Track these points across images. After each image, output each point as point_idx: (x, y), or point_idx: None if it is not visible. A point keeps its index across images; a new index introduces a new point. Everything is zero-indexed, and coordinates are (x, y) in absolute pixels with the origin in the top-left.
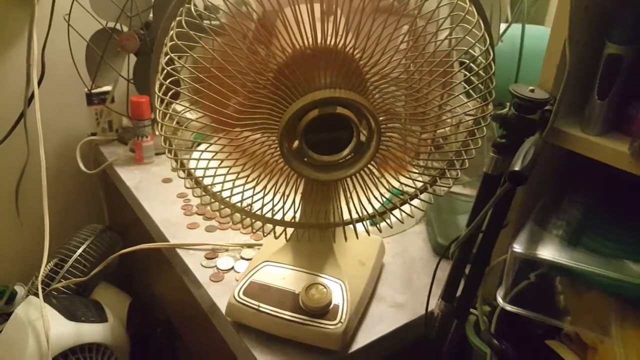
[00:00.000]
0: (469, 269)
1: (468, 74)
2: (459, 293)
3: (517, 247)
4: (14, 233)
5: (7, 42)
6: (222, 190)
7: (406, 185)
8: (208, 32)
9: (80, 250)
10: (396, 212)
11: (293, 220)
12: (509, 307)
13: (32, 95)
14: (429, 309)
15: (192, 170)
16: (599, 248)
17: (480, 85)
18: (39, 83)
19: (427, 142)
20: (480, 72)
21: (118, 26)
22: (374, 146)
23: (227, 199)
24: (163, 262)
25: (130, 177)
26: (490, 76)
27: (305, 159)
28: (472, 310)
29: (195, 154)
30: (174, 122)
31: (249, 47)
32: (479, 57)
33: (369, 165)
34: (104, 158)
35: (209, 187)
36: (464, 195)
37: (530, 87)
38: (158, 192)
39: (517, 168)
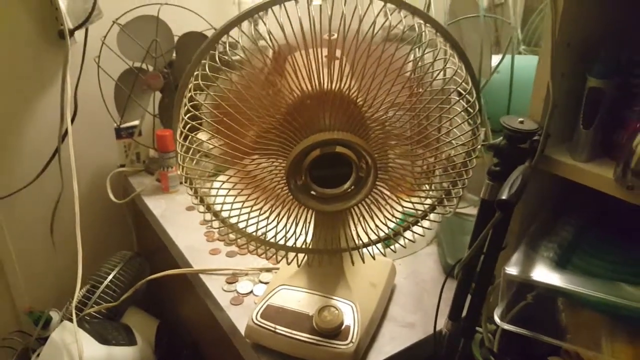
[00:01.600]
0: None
1: (464, 114)
2: (465, 312)
3: (509, 270)
4: (49, 261)
5: (43, 84)
6: (238, 221)
7: (408, 209)
8: (228, 71)
9: (110, 277)
10: (403, 235)
11: (304, 246)
12: (506, 326)
13: (66, 132)
14: (438, 328)
15: (210, 204)
16: (589, 268)
17: (469, 121)
18: (72, 120)
19: (421, 173)
20: (469, 109)
21: (144, 66)
22: (371, 180)
23: (243, 228)
24: (188, 287)
25: (157, 205)
26: (476, 113)
27: (312, 192)
28: (478, 328)
29: (213, 188)
30: (191, 152)
31: (265, 82)
32: (467, 96)
33: (373, 193)
34: (132, 188)
35: (226, 219)
36: (473, 216)
37: (520, 119)
38: (182, 220)
39: (503, 197)
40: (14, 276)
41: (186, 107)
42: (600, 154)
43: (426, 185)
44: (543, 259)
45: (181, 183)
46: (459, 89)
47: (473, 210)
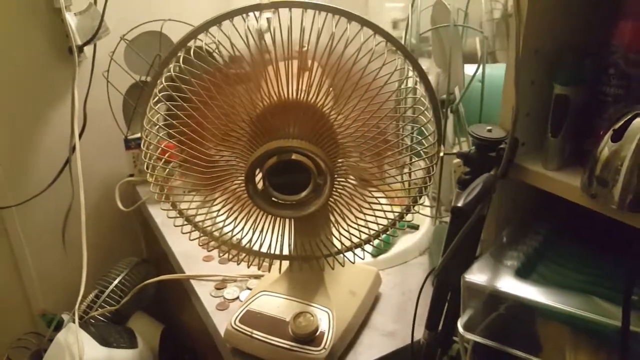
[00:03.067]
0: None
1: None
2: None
3: (467, 277)
4: (62, 266)
5: (55, 97)
6: (213, 229)
7: (378, 217)
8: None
9: (116, 282)
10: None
11: (280, 254)
12: (469, 336)
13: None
14: (416, 338)
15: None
16: (555, 277)
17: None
18: (82, 132)
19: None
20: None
21: (149, 79)
22: (328, 187)
23: (219, 236)
24: (185, 293)
25: (159, 213)
26: (432, 133)
27: (272, 199)
28: (455, 338)
29: (186, 196)
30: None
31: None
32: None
33: (343, 198)
34: (139, 197)
35: (204, 227)
36: None
37: (488, 127)
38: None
39: (459, 204)
40: (30, 280)
41: (152, 111)
42: (572, 162)
43: (396, 192)
44: (505, 268)
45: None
46: (416, 100)
47: None
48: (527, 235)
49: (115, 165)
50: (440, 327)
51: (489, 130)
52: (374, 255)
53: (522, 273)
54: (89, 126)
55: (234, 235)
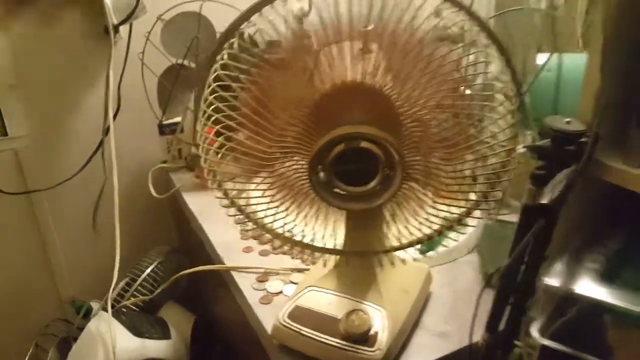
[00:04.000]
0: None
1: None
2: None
3: (549, 281)
4: (92, 252)
5: (90, 78)
6: (267, 221)
7: (443, 211)
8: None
9: (148, 270)
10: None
11: (333, 247)
12: (545, 342)
13: (109, 126)
14: (474, 340)
15: (241, 205)
16: (638, 282)
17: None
18: (115, 115)
19: (456, 175)
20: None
21: (186, 62)
22: (398, 179)
23: (273, 228)
24: (222, 284)
25: (195, 201)
26: (514, 112)
27: (335, 190)
28: (517, 342)
29: (243, 190)
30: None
31: (298, 69)
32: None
33: (406, 194)
34: (173, 184)
35: (258, 219)
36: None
37: (567, 119)
38: (218, 217)
39: (544, 201)
40: (59, 266)
41: (209, 99)
42: None
43: (463, 187)
44: (588, 271)
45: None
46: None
47: (516, 218)
48: (605, 237)
49: (148, 150)
50: (501, 330)
51: (568, 122)
52: (422, 252)
53: (606, 277)
54: (122, 110)
55: (286, 227)
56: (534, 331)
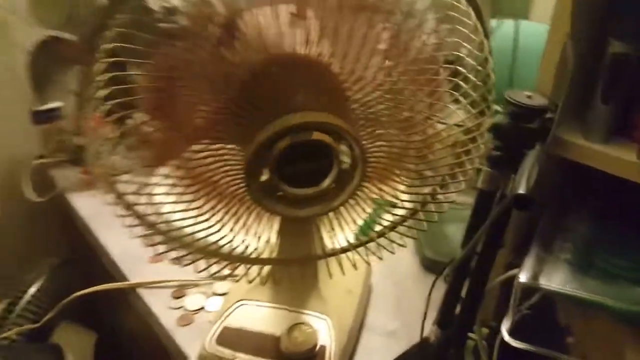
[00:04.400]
0: (464, 292)
1: (462, 85)
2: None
3: (524, 278)
4: None
5: None
6: (181, 233)
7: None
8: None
9: (32, 290)
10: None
11: (268, 257)
12: (516, 344)
13: None
14: (424, 335)
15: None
16: (613, 270)
17: (474, 95)
18: None
19: (414, 160)
20: (477, 81)
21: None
22: (358, 175)
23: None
24: (127, 300)
25: (84, 204)
26: (489, 87)
27: (279, 193)
28: (469, 335)
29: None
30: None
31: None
32: (471, 62)
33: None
34: (55, 183)
35: (167, 230)
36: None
37: (527, 93)
38: (115, 221)
39: (521, 190)
40: None
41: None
42: (614, 134)
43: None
44: (561, 263)
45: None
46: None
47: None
48: (569, 221)
49: (19, 144)
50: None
51: (529, 97)
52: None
53: (580, 268)
54: None
55: (210, 238)
56: (505, 333)
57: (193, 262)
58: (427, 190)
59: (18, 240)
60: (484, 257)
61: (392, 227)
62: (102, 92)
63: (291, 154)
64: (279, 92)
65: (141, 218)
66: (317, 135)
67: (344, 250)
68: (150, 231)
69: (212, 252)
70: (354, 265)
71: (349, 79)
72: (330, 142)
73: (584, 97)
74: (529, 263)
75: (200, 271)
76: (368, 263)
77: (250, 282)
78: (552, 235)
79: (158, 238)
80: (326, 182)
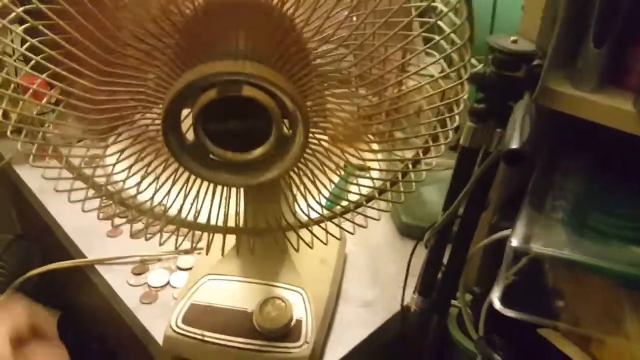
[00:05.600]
0: (446, 258)
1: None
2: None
3: (515, 241)
4: None
5: None
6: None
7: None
8: None
9: None
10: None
11: (231, 225)
12: (509, 313)
13: None
14: (404, 304)
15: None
16: (608, 230)
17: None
18: None
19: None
20: (453, 38)
21: None
22: (299, 142)
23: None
24: (86, 276)
25: (33, 176)
26: (465, 43)
27: (210, 156)
28: (452, 302)
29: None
30: None
31: None
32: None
33: (315, 154)
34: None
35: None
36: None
37: (512, 37)
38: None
39: (515, 145)
40: None
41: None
42: (605, 81)
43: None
44: (554, 223)
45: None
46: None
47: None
48: (561, 177)
49: None
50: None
51: (514, 42)
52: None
53: (574, 229)
54: None
55: (154, 202)
56: (496, 301)
57: (155, 233)
58: (408, 155)
59: None
60: (467, 219)
61: (368, 199)
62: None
63: (223, 112)
64: (215, 33)
65: (97, 188)
66: (247, 91)
67: (315, 222)
68: (108, 202)
69: (172, 221)
70: (326, 238)
71: (308, 29)
72: (264, 100)
73: (574, 41)
74: (520, 225)
75: (162, 243)
76: (350, 232)
77: (207, 251)
78: (543, 194)
79: (117, 208)
80: (260, 149)
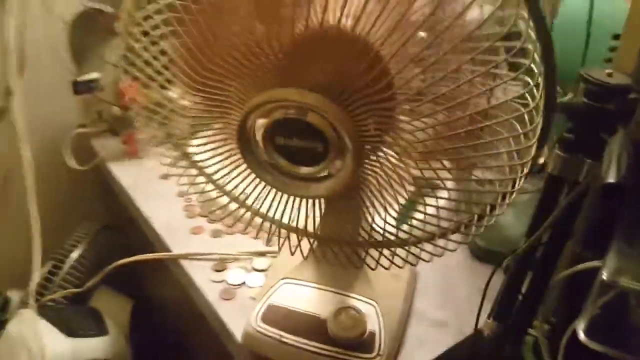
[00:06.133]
0: (526, 284)
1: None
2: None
3: (606, 274)
4: (4, 236)
5: None
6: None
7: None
8: None
9: (75, 254)
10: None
11: (314, 232)
12: (594, 346)
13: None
14: (477, 328)
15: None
16: None
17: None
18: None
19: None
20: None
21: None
22: (348, 170)
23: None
24: (167, 268)
25: (125, 173)
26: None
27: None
28: (531, 331)
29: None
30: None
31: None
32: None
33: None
34: (95, 152)
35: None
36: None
37: (608, 71)
38: (156, 191)
39: (612, 180)
40: None
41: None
42: None
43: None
44: None
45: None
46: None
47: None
48: None
49: (61, 114)
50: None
51: (609, 75)
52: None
53: None
54: (27, 67)
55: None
56: (581, 332)
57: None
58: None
59: (60, 206)
60: (551, 248)
61: (444, 232)
62: (138, 62)
63: (290, 130)
64: (296, 63)
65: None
66: (311, 118)
67: (386, 243)
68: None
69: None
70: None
71: (386, 52)
72: (323, 128)
73: None
74: (611, 257)
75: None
76: (425, 261)
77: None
78: (635, 228)
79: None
80: (315, 168)
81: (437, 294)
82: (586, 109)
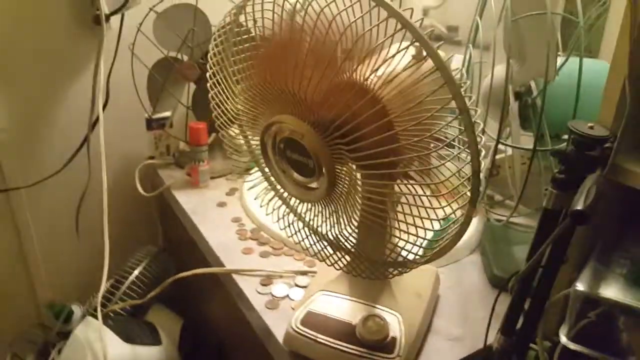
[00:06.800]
0: (528, 303)
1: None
2: (517, 327)
3: (580, 286)
4: (73, 254)
5: (75, 69)
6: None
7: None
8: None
9: (136, 272)
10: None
11: (352, 250)
12: (572, 346)
13: (97, 120)
14: (487, 343)
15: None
16: None
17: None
18: (104, 108)
19: None
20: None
21: (179, 56)
22: (323, 187)
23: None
24: (216, 286)
25: (187, 200)
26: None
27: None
28: (531, 345)
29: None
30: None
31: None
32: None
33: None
34: (161, 181)
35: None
36: (521, 226)
37: (590, 124)
38: (213, 216)
39: (579, 207)
40: (36, 267)
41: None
42: None
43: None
44: (616, 276)
45: (212, 179)
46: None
47: (519, 220)
48: (627, 240)
49: (134, 146)
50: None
51: (591, 127)
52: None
53: (635, 282)
54: (109, 103)
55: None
56: (562, 336)
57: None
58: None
59: (125, 229)
60: (548, 270)
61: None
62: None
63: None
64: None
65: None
66: (305, 141)
67: (408, 264)
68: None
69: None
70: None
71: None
72: (309, 148)
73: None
74: (586, 274)
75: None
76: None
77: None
78: (610, 253)
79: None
80: (305, 179)
81: (457, 315)
82: (573, 154)
